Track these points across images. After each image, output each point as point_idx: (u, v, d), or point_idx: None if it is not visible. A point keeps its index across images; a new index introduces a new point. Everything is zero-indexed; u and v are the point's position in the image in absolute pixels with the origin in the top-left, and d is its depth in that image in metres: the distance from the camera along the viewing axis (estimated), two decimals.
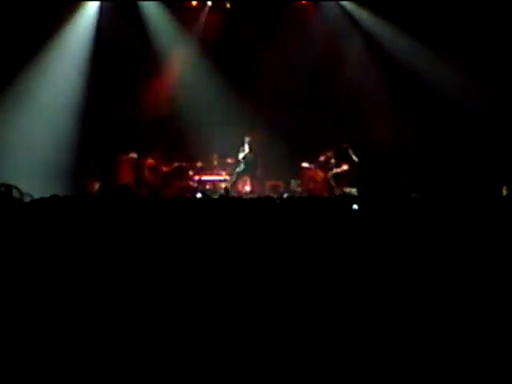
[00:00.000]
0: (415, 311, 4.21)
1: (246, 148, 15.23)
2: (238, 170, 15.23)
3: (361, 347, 3.79)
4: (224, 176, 15.56)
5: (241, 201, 6.68)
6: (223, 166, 15.77)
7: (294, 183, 15.38)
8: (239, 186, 15.30)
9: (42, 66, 15.01)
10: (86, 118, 15.00)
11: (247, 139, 15.21)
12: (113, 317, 4.14)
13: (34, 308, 4.21)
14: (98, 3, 15.53)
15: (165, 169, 15.60)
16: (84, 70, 15.24)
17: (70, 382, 3.53)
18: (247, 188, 15.33)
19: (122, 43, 15.17)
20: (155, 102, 15.90)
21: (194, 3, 16.23)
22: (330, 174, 15.08)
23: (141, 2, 15.79)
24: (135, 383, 3.55)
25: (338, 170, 15.01)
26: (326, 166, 15.21)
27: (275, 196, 11.79)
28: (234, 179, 15.21)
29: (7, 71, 14.53)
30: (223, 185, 15.21)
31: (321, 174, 15.19)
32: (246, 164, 15.19)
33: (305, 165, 15.41)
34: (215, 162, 15.81)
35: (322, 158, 15.27)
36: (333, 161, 15.18)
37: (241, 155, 15.26)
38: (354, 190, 13.67)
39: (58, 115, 14.77)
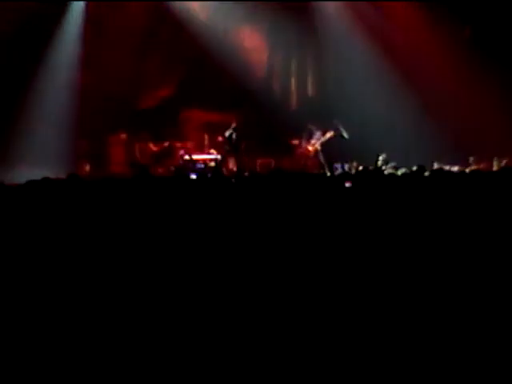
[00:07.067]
0: (412, 294, 4.22)
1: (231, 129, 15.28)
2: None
3: (358, 333, 3.81)
4: (214, 154, 15.49)
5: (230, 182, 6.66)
6: (214, 145, 15.71)
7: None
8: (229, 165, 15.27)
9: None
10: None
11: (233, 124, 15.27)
12: (110, 306, 4.12)
13: (27, 300, 4.17)
14: None
15: (155, 148, 15.52)
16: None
17: (69, 379, 3.51)
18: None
19: None
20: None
21: None
22: (317, 147, 15.02)
23: None
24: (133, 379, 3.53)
25: (323, 139, 14.97)
26: (311, 139, 15.19)
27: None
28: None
29: None
30: (213, 163, 15.19)
31: (311, 149, 15.14)
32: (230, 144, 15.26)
33: (294, 142, 15.41)
34: (206, 142, 15.78)
35: (306, 132, 15.27)
36: (318, 133, 15.13)
37: (227, 133, 15.30)
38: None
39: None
